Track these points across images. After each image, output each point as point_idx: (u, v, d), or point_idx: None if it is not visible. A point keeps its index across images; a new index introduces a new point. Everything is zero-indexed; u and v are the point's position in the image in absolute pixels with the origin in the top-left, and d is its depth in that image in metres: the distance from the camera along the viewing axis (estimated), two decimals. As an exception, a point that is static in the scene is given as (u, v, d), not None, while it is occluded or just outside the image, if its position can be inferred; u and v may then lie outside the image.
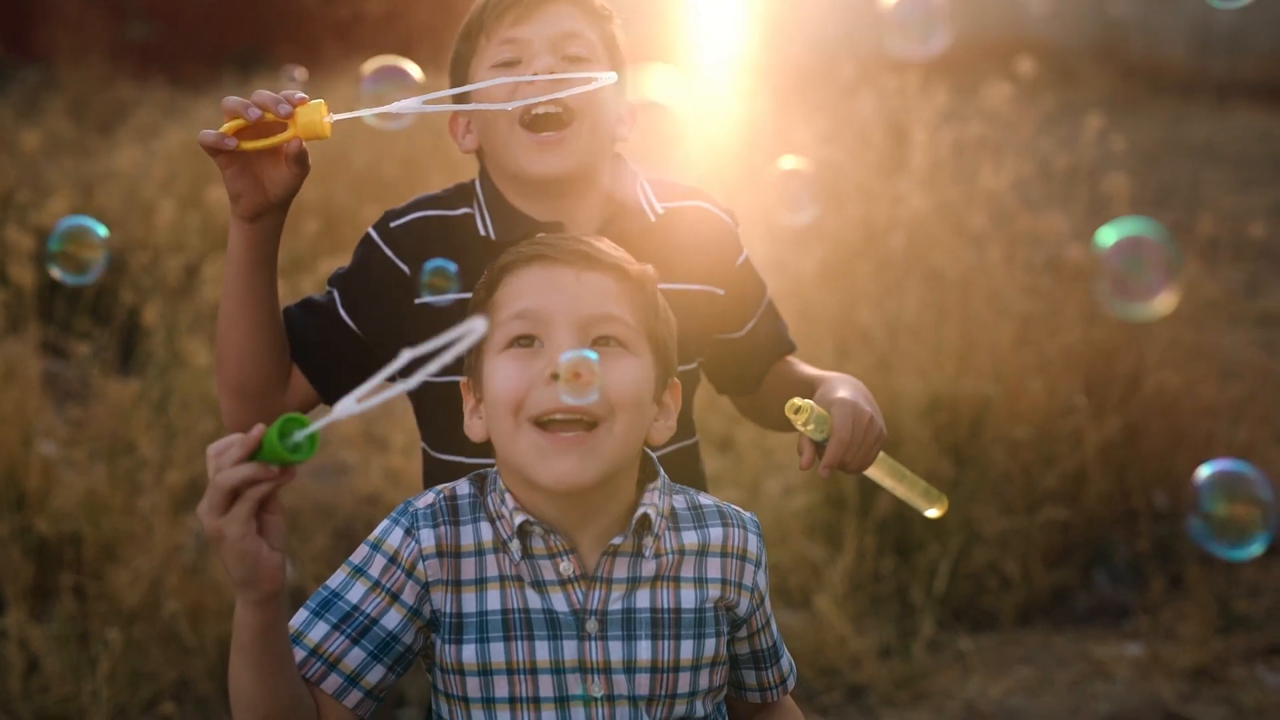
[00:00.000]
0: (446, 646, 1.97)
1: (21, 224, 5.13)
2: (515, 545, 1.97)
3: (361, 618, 1.96)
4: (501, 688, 1.95)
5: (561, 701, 1.96)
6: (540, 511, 1.97)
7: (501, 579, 1.98)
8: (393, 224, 2.38)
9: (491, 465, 2.09)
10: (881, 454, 2.32)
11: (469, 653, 1.96)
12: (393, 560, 1.97)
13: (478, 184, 2.42)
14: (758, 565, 2.10)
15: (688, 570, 2.04)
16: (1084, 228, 6.18)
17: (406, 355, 1.67)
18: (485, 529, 1.99)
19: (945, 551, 4.69)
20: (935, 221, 6.01)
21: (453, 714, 1.98)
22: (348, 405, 1.69)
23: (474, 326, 1.67)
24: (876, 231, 6.33)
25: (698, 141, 8.06)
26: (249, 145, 2.12)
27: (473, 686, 1.96)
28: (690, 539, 2.05)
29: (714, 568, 2.06)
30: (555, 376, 1.89)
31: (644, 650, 1.99)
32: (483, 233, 2.35)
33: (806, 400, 2.21)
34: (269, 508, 1.78)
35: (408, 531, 1.98)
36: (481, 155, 2.43)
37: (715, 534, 2.07)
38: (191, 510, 4.96)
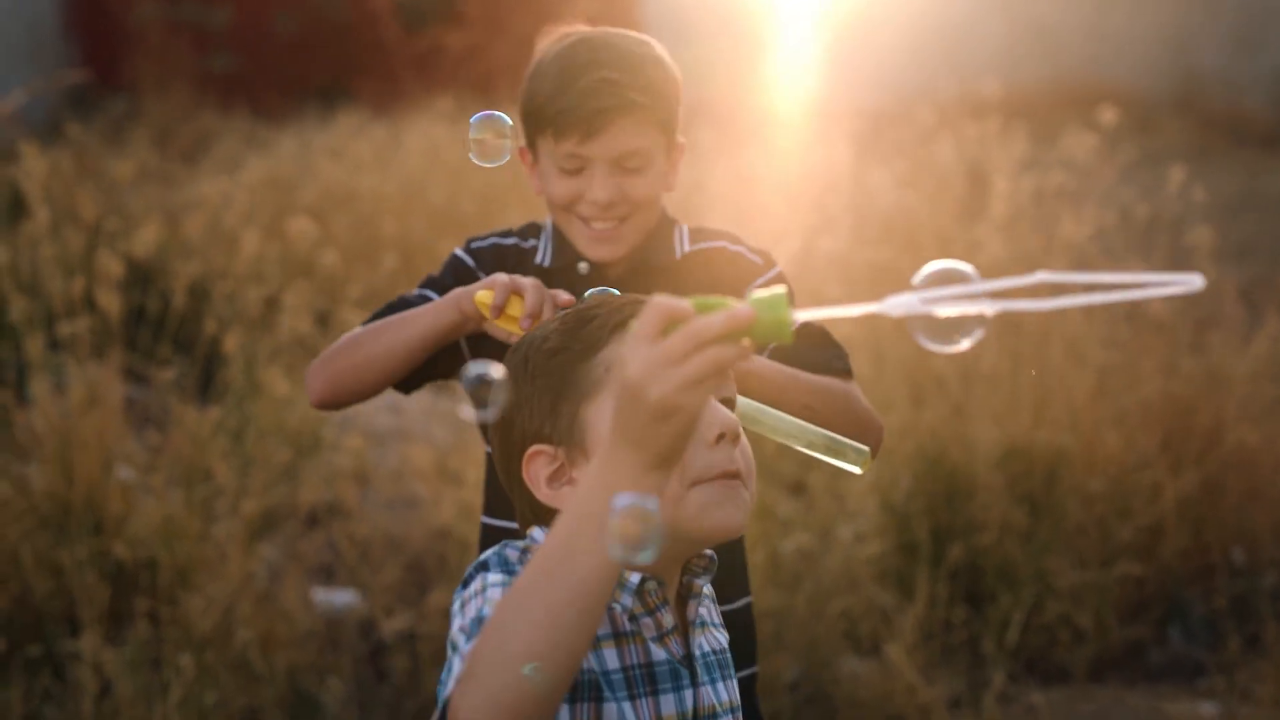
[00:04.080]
0: (582, 705, 1.80)
1: (111, 250, 5.20)
2: (627, 602, 1.84)
3: None
4: None
5: None
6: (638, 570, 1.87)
7: (616, 636, 1.85)
8: (474, 244, 2.72)
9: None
10: (751, 405, 2.19)
11: (610, 712, 1.81)
12: None
13: (550, 220, 2.70)
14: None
15: (714, 615, 2.04)
16: (1164, 280, 6.13)
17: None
18: None
19: (1018, 603, 4.65)
20: (1014, 269, 5.98)
21: None
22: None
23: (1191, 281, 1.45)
24: (953, 278, 6.30)
25: (775, 186, 8.07)
26: (499, 323, 2.38)
27: None
28: (701, 583, 2.00)
29: (715, 613, 2.05)
30: (722, 436, 1.81)
31: (723, 692, 1.95)
32: (538, 260, 2.67)
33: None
34: None
35: (508, 572, 1.81)
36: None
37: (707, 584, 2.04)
38: (264, 539, 5.00)
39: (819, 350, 2.56)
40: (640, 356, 1.50)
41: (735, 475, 1.83)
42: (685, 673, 1.88)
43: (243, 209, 7.25)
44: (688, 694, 1.88)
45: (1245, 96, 14.61)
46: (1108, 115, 6.32)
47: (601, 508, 1.53)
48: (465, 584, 1.81)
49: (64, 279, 5.14)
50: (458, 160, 8.36)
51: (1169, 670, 4.72)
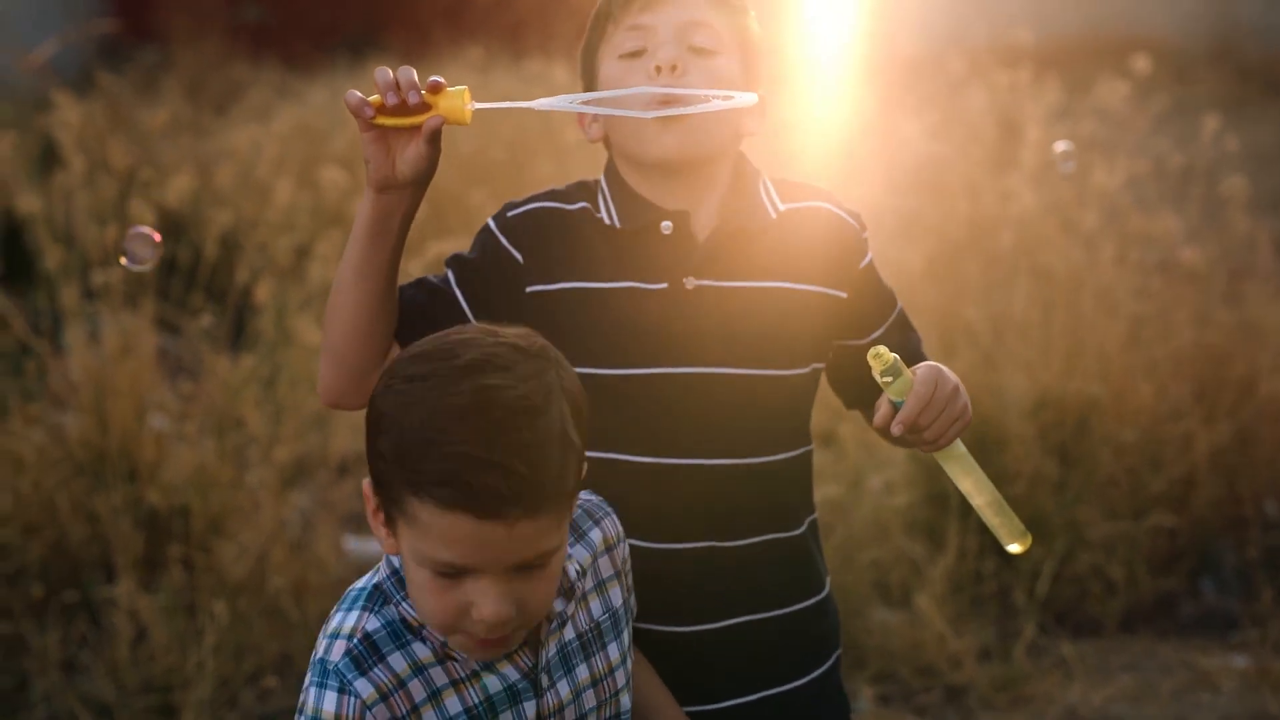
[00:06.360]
0: None
1: (144, 200, 5.21)
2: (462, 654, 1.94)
3: None
4: None
5: None
6: None
7: (454, 683, 1.93)
8: (510, 213, 2.38)
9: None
10: (968, 454, 2.23)
11: None
12: None
13: (603, 178, 2.41)
14: (621, 539, 2.14)
15: (589, 583, 2.06)
16: (1198, 229, 6.09)
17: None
18: (418, 648, 1.93)
19: (1049, 554, 4.65)
20: (1045, 219, 5.95)
21: None
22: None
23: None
24: (984, 228, 6.27)
25: (804, 134, 8.03)
26: (384, 121, 2.15)
27: None
28: (581, 555, 2.05)
29: (606, 567, 2.08)
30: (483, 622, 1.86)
31: (582, 671, 2.02)
32: (607, 221, 2.34)
33: (891, 352, 2.13)
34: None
35: (340, 691, 1.89)
36: (608, 145, 2.42)
37: (595, 535, 2.08)
38: (296, 487, 5.04)
39: (912, 336, 2.49)
40: None
41: (490, 642, 1.89)
42: (528, 686, 1.97)
43: (274, 159, 7.25)
44: (528, 706, 1.97)
45: (1281, 46, 14.45)
46: (1141, 64, 6.25)
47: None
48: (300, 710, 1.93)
49: (98, 228, 5.15)
50: (489, 109, 8.31)
51: (1201, 622, 4.72)
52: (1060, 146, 3.16)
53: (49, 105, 5.89)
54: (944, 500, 4.74)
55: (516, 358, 1.85)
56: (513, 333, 1.90)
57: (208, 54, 11.85)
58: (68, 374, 4.96)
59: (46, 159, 6.98)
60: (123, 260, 2.49)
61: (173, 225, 5.89)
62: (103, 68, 9.57)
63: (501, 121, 8.12)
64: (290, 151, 7.72)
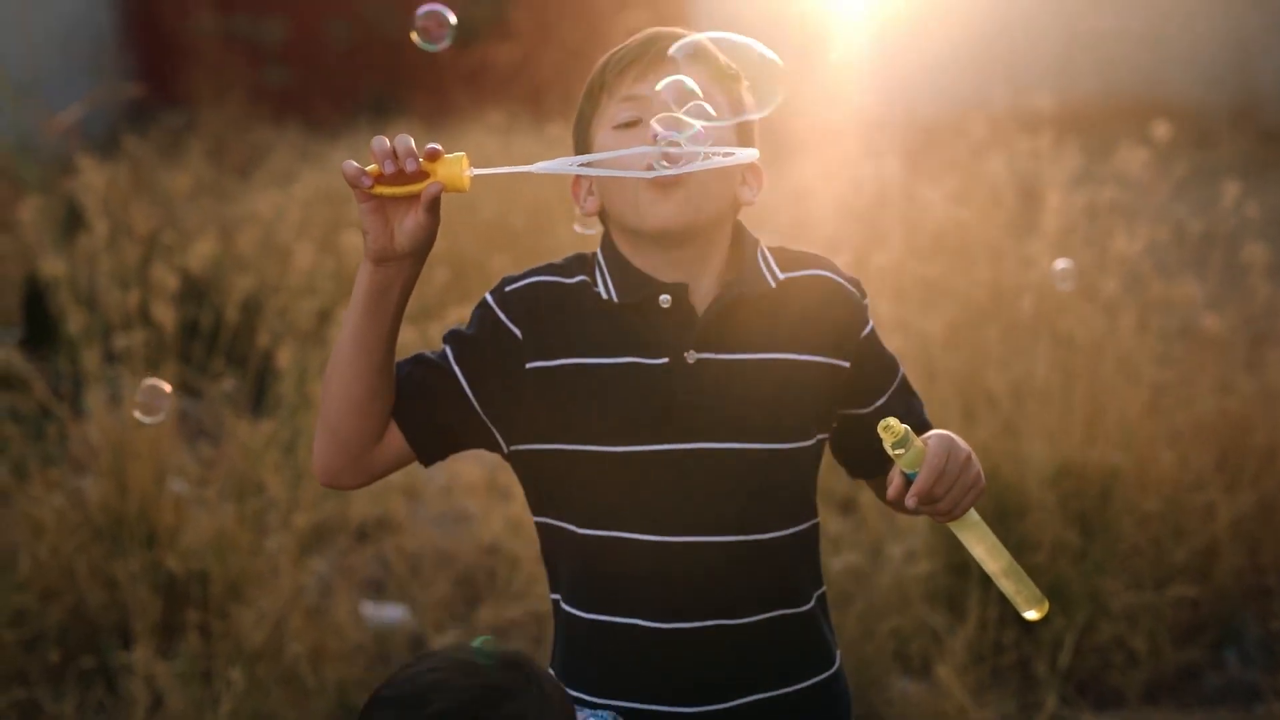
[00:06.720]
0: None
1: (167, 264, 5.24)
2: None
3: None
4: None
5: None
6: None
7: None
8: (508, 288, 2.36)
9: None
10: (981, 522, 2.23)
11: None
12: None
13: (599, 252, 2.39)
14: None
15: None
16: (1219, 295, 6.08)
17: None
18: None
19: (1070, 625, 4.61)
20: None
21: None
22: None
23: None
24: (1005, 293, 6.27)
25: (826, 199, 8.06)
26: (382, 190, 2.14)
27: None
28: None
29: None
30: None
31: None
32: (605, 296, 2.32)
33: (901, 424, 2.12)
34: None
35: None
36: (604, 219, 2.41)
37: None
38: (315, 553, 5.03)
39: (915, 402, 2.47)
40: None
41: None
42: None
43: (296, 223, 7.29)
44: None
45: (1304, 110, 14.46)
46: (1161, 129, 6.26)
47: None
48: None
49: (120, 292, 5.18)
50: (506, 175, 8.35)
51: (1225, 694, 4.67)
52: (1060, 264, 3.18)
53: (74, 168, 5.93)
54: (965, 569, 4.70)
55: (493, 699, 1.79)
56: (496, 664, 1.84)
57: (231, 117, 11.96)
58: (88, 438, 4.97)
59: (70, 222, 7.03)
60: (136, 414, 2.56)
61: (195, 289, 5.92)
62: (128, 131, 9.66)
63: (522, 187, 8.15)
64: (312, 216, 7.77)
